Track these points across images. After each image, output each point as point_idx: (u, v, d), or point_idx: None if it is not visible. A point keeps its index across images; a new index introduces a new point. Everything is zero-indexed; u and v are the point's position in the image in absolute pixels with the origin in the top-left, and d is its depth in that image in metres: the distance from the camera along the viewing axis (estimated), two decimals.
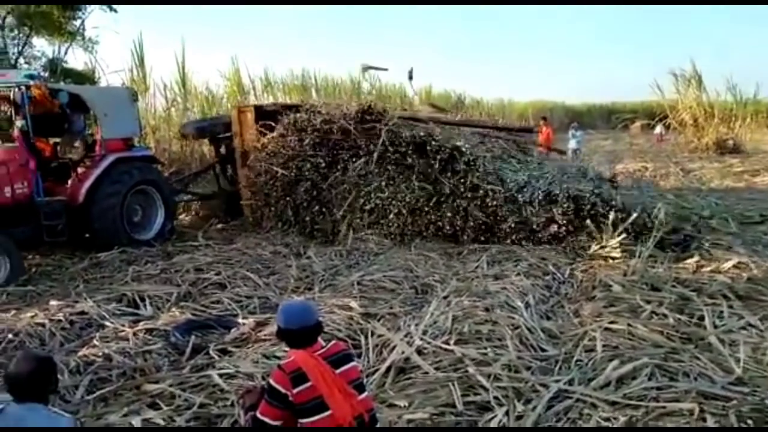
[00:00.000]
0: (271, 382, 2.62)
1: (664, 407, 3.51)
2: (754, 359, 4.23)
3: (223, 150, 10.64)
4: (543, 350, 4.62)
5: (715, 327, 4.79)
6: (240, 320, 5.37)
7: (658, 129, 27.00)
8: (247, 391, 2.98)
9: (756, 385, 3.83)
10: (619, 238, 7.14)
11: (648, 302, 5.31)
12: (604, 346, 4.50)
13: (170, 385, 4.08)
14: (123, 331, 5.12)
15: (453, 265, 7.21)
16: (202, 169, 11.38)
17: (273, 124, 9.47)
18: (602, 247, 7.21)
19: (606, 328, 4.82)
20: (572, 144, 18.18)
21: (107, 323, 5.35)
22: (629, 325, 4.82)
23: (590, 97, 50.63)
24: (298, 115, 9.20)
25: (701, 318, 4.97)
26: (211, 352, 4.71)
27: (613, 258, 6.96)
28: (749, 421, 3.35)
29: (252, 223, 9.57)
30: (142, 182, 8.67)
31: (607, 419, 3.46)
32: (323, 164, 8.88)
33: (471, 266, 7.05)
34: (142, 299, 6.02)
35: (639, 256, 6.43)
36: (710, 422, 3.32)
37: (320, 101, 11.09)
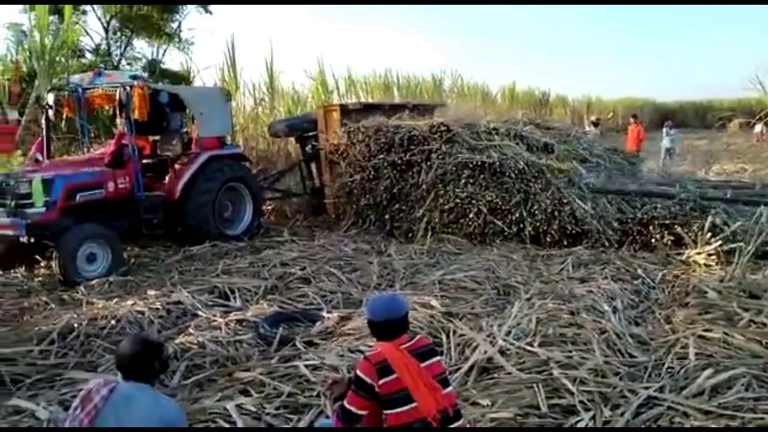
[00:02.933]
0: (358, 372, 2.69)
1: (762, 419, 3.34)
2: None
3: (309, 149, 10.92)
4: (632, 356, 4.47)
5: None
6: (325, 314, 5.53)
7: (758, 128, 25.37)
8: (334, 382, 3.08)
9: None
10: (716, 244, 6.81)
11: (746, 310, 5.02)
12: (697, 354, 4.31)
13: (260, 374, 4.25)
14: (215, 321, 5.37)
15: (536, 267, 7.09)
16: (288, 167, 11.73)
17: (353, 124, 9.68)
18: (698, 253, 6.90)
19: (700, 336, 4.60)
20: (665, 143, 17.37)
21: (200, 313, 5.62)
22: (725, 333, 4.58)
23: (683, 95, 48.11)
24: (347, 128, 9.45)
25: None
26: (297, 343, 4.87)
27: (708, 265, 6.63)
28: None
29: (335, 221, 9.80)
30: (233, 179, 9.02)
31: (700, 428, 3.32)
32: (399, 162, 8.96)
33: (555, 269, 6.93)
34: (232, 291, 6.29)
35: (737, 263, 6.08)
36: None
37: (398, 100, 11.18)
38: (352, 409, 2.68)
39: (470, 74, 35.91)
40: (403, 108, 11.00)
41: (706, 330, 4.70)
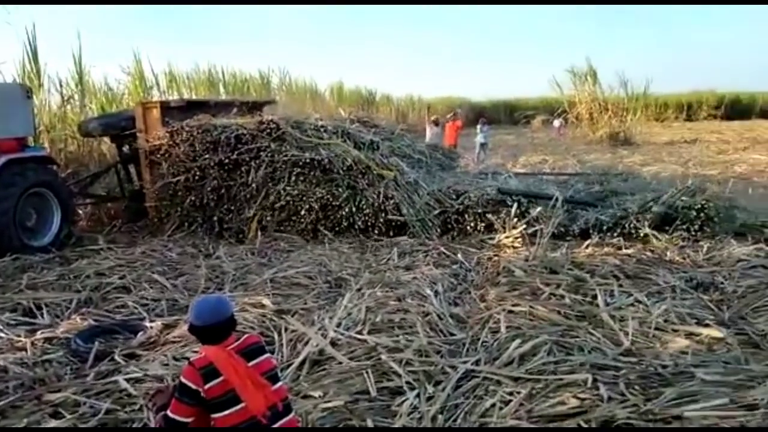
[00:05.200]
0: (182, 379, 2.59)
1: (561, 379, 3.77)
2: (641, 332, 4.59)
3: (126, 149, 10.20)
4: (452, 334, 4.81)
5: (607, 304, 5.15)
6: (147, 323, 5.22)
7: (557, 123, 28.55)
8: (158, 392, 2.93)
9: (642, 355, 4.19)
10: (521, 228, 7.59)
11: (547, 285, 5.64)
12: (507, 327, 4.74)
13: (74, 393, 3.93)
14: (19, 341, 4.85)
15: (366, 258, 7.34)
16: (103, 169, 10.85)
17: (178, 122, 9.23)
18: (506, 237, 7.64)
19: (509, 311, 5.08)
20: (479, 138, 18.85)
21: (1, 334, 5.02)
22: (530, 306, 5.10)
23: (494, 94, 52.43)
24: (169, 127, 9.08)
25: (594, 297, 5.32)
26: (116, 357, 4.55)
27: (515, 247, 7.36)
28: (636, 387, 3.67)
29: (158, 225, 9.27)
30: (37, 184, 8.15)
31: (511, 393, 3.67)
32: (227, 161, 8.75)
33: (383, 258, 7.22)
34: (39, 307, 5.70)
35: (538, 243, 6.82)
36: (602, 390, 3.59)
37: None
38: (177, 417, 2.57)
39: (298, 72, 36.05)
40: (231, 105, 10.70)
41: (515, 305, 5.20)
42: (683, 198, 7.96)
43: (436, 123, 17.72)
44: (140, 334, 4.98)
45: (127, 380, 4.05)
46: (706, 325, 4.69)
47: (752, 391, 3.55)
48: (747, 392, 3.54)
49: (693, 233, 7.48)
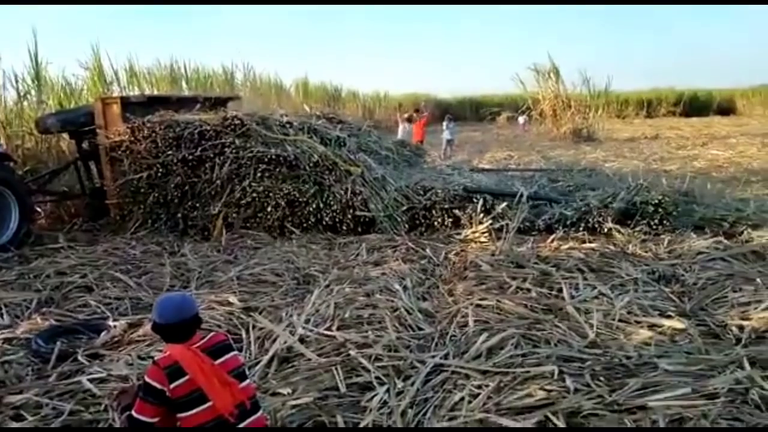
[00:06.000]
0: (146, 378, 2.55)
1: (528, 372, 3.81)
2: (605, 324, 4.68)
3: (86, 145, 9.94)
4: (420, 329, 4.83)
5: (572, 297, 5.23)
6: (110, 323, 5.10)
7: (521, 120, 28.94)
8: (122, 392, 2.88)
9: (607, 347, 4.27)
10: (488, 223, 7.68)
11: (514, 278, 5.70)
12: (475, 321, 4.78)
13: (36, 395, 3.83)
14: None
15: (334, 254, 7.30)
16: (63, 166, 10.55)
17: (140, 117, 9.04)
18: (473, 232, 7.71)
19: (477, 305, 5.12)
20: (446, 135, 18.99)
21: None
22: (497, 300, 5.15)
23: (459, 91, 52.73)
24: (130, 124, 8.88)
25: (560, 290, 5.40)
26: (79, 357, 4.44)
27: (482, 241, 7.44)
28: (601, 378, 3.74)
29: (120, 223, 9.06)
30: None
31: (479, 386, 3.71)
32: (190, 158, 8.61)
33: (352, 254, 7.20)
34: None
35: (505, 238, 6.90)
36: (568, 382, 3.65)
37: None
38: (142, 418, 2.53)
39: (262, 68, 35.71)
40: (194, 101, 10.52)
41: (482, 299, 5.24)
42: (644, 193, 8.13)
43: (409, 120, 17.82)
44: (103, 333, 4.87)
45: (91, 381, 3.97)
46: (668, 317, 4.81)
47: (713, 380, 3.66)
48: (708, 381, 3.64)
49: (654, 227, 7.65)
